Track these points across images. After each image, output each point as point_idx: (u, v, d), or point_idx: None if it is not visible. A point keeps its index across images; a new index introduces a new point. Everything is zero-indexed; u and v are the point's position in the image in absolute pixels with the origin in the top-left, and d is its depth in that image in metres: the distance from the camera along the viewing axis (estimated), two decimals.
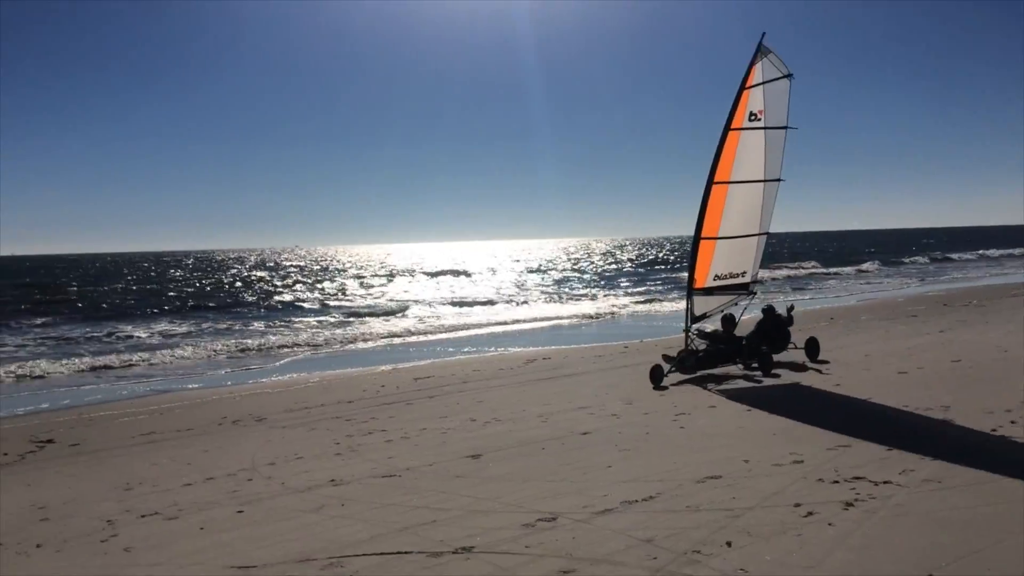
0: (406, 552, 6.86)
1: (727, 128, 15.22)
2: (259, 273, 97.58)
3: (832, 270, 69.23)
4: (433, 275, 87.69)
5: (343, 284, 73.73)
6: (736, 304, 16.63)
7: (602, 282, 65.82)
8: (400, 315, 41.72)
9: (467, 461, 10.26)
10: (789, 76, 15.33)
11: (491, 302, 48.97)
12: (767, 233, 16.57)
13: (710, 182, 15.43)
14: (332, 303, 51.59)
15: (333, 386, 18.92)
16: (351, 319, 40.10)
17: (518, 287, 63.49)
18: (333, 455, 11.32)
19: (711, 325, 17.10)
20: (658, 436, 10.92)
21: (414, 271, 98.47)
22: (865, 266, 71.30)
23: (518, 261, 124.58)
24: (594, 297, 49.66)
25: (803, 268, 72.14)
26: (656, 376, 15.21)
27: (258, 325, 37.42)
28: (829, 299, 40.14)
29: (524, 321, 36.71)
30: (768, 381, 14.95)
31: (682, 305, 18.90)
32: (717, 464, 9.00)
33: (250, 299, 56.05)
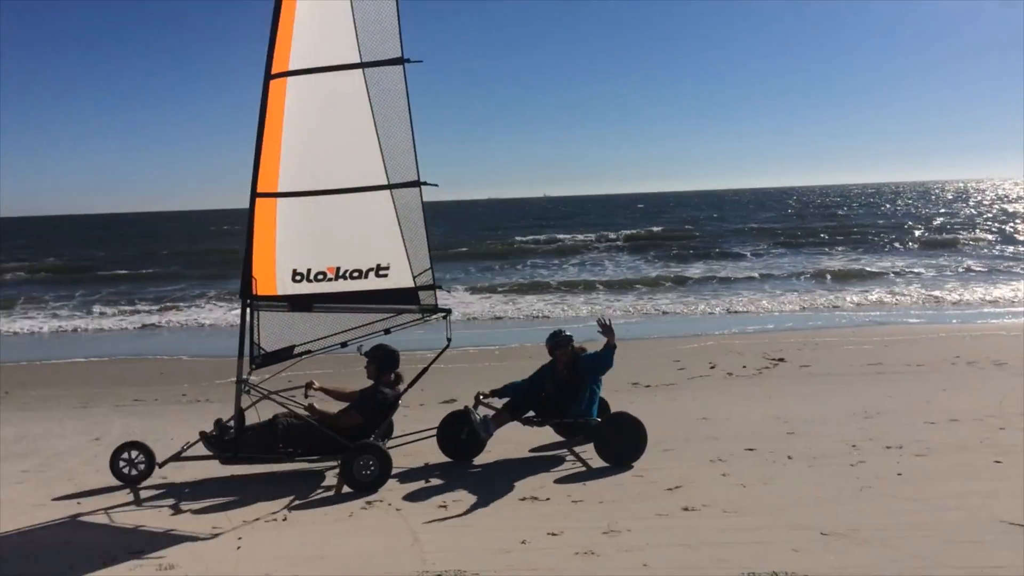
0: None
1: None
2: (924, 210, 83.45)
3: None
4: None
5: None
6: (388, 332, 8.49)
7: None
8: None
9: None
10: None
11: None
12: (419, 183, 8.19)
13: (266, 79, 7.85)
14: None
15: None
16: None
17: None
18: None
19: None
20: None
21: None
22: None
23: None
24: None
25: None
26: (113, 464, 8.15)
27: (972, 264, 33.32)
28: None
29: None
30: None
31: None
32: None
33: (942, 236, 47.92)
